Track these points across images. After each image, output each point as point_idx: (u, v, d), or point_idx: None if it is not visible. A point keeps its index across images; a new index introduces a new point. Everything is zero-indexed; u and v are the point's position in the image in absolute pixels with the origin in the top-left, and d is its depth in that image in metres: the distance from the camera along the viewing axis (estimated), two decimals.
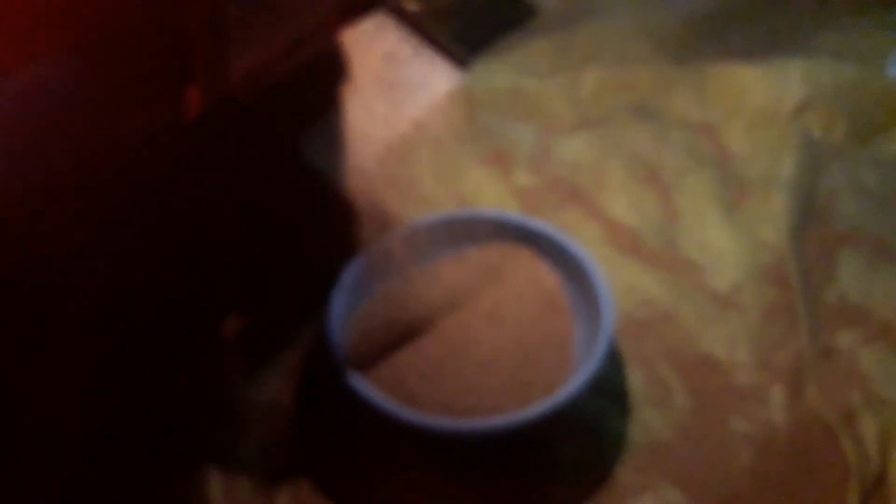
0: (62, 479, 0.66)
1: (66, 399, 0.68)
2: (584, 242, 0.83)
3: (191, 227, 0.75)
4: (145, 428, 0.70)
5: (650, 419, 0.71)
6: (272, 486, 0.69)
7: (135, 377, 0.71)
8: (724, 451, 0.69)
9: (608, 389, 0.73)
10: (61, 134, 0.56)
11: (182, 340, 0.74)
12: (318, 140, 0.84)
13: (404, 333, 0.71)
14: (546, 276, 0.76)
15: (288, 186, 0.82)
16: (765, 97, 0.99)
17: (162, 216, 0.71)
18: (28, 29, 0.49)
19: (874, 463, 0.67)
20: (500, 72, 1.04)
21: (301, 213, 0.82)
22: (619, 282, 0.81)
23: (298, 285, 0.79)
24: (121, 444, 0.68)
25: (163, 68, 0.51)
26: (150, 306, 0.74)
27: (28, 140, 0.55)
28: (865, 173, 0.91)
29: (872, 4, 1.16)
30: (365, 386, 0.67)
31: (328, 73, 0.82)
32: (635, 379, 0.74)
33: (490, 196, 0.90)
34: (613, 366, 0.74)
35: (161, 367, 0.73)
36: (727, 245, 0.84)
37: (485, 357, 0.70)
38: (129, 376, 0.71)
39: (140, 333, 0.72)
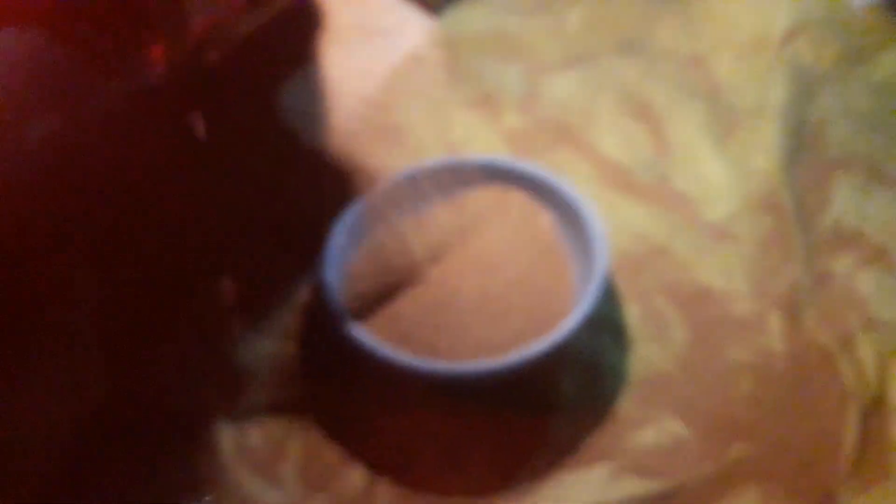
0: (70, 443, 0.66)
1: (69, 364, 0.68)
2: (576, 181, 0.81)
3: (175, 192, 0.73)
4: (151, 391, 0.69)
5: (649, 352, 0.71)
6: (282, 435, 0.68)
7: (136, 345, 0.71)
8: (723, 381, 0.69)
9: (606, 325, 0.72)
10: (29, 105, 0.54)
11: (177, 304, 0.73)
12: (297, 94, 0.81)
13: (399, 281, 0.70)
14: (539, 216, 0.75)
15: (270, 144, 0.80)
16: (753, 25, 0.96)
17: (143, 182, 0.70)
18: None
19: (872, 385, 0.67)
20: (481, 13, 1.00)
21: (286, 169, 0.81)
22: (612, 219, 0.79)
23: (291, 241, 0.77)
24: (128, 409, 0.68)
25: (123, 27, 0.49)
26: (141, 273, 0.73)
27: (10, 112, 0.54)
28: (857, 97, 0.89)
29: None
30: (363, 334, 0.66)
31: (302, 25, 0.80)
32: (633, 314, 0.73)
33: (479, 140, 0.88)
34: (610, 302, 0.73)
35: (159, 330, 0.72)
36: (720, 176, 0.83)
37: (481, 299, 0.69)
38: (127, 344, 0.71)
39: (136, 299, 0.72)
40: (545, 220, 0.75)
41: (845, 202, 0.80)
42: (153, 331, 0.71)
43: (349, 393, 0.70)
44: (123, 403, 0.68)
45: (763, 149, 0.84)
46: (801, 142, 0.86)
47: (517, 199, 0.76)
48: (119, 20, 0.50)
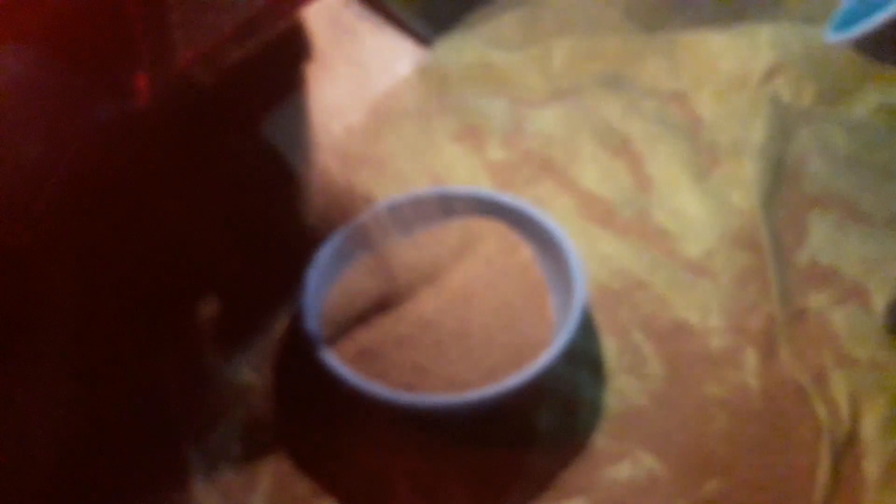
0: (44, 467, 0.65)
1: (45, 387, 0.67)
2: (558, 215, 0.82)
3: (161, 215, 0.73)
4: (125, 414, 0.69)
5: (625, 387, 0.71)
6: (253, 466, 0.68)
7: (113, 365, 0.70)
8: (698, 417, 0.69)
9: (583, 359, 0.72)
10: (37, 125, 0.55)
11: (158, 327, 0.73)
12: (285, 121, 0.82)
13: (377, 311, 0.70)
14: (519, 248, 0.75)
15: (257, 169, 0.80)
16: (734, 63, 0.97)
17: (131, 204, 0.70)
18: None
19: (845, 423, 0.67)
20: (469, 46, 1.01)
21: (272, 195, 0.81)
22: (592, 252, 0.80)
23: (273, 267, 0.77)
24: (101, 431, 0.68)
25: (109, 56, 0.49)
26: (123, 294, 0.73)
27: (4, 130, 0.54)
28: (834, 135, 0.91)
29: None
30: (341, 364, 0.66)
31: (290, 53, 0.80)
32: (610, 347, 0.73)
33: (463, 171, 0.88)
34: (588, 336, 0.73)
35: (137, 355, 0.72)
36: (699, 212, 0.83)
37: (459, 331, 0.69)
38: (108, 364, 0.70)
39: (116, 321, 0.71)
40: (525, 252, 0.75)
41: (822, 239, 0.80)
42: (131, 357, 0.71)
43: (323, 424, 0.69)
44: (96, 428, 0.67)
45: (742, 186, 0.85)
46: (779, 179, 0.86)
47: (498, 231, 0.77)
48: (106, 46, 0.50)
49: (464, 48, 1.01)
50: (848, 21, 0.65)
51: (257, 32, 0.62)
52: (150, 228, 0.74)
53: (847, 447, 0.66)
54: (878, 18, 0.57)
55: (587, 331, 0.74)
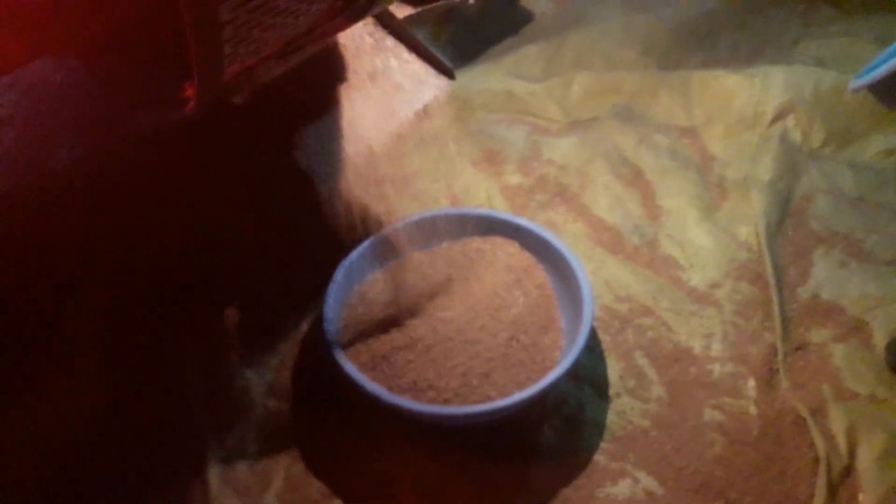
0: (63, 463, 0.66)
1: (69, 384, 0.69)
2: (569, 240, 0.83)
3: (193, 222, 0.75)
4: (146, 413, 0.70)
5: (628, 408, 0.71)
6: (268, 468, 0.69)
7: (137, 363, 0.72)
8: (697, 440, 0.69)
9: (589, 379, 0.73)
10: (72, 130, 0.57)
11: (184, 329, 0.74)
12: (316, 137, 0.84)
13: (396, 318, 0.71)
14: (533, 267, 0.76)
15: (286, 183, 0.82)
16: (746, 102, 0.99)
17: (167, 212, 0.72)
18: (37, 24, 0.49)
19: (843, 455, 0.67)
20: (492, 76, 1.04)
21: (299, 208, 0.83)
22: (600, 277, 0.81)
23: (298, 276, 0.79)
24: (122, 428, 0.69)
25: (162, 66, 0.51)
26: (153, 294, 0.74)
27: (40, 135, 0.56)
28: (842, 177, 0.91)
29: (855, 12, 1.16)
30: (357, 370, 0.67)
31: (323, 76, 0.82)
32: (615, 369, 0.74)
33: (481, 194, 0.90)
34: (594, 357, 0.74)
35: (163, 353, 0.73)
36: (706, 244, 0.84)
37: (473, 343, 0.69)
38: (132, 361, 0.72)
39: (144, 320, 0.73)
40: (538, 271, 0.76)
41: (825, 276, 0.81)
42: (157, 354, 0.72)
43: (336, 428, 0.70)
44: (119, 422, 0.69)
45: (749, 220, 0.86)
46: (785, 215, 0.87)
47: (513, 250, 0.78)
48: (160, 56, 0.52)
49: (487, 77, 1.03)
50: (871, 70, 0.66)
51: (297, 52, 0.64)
52: (181, 233, 0.75)
53: (843, 479, 0.66)
54: (889, 65, 0.58)
55: (593, 352, 0.74)
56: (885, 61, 0.62)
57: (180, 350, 0.73)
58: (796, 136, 0.96)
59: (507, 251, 0.78)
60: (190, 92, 0.51)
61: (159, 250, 0.74)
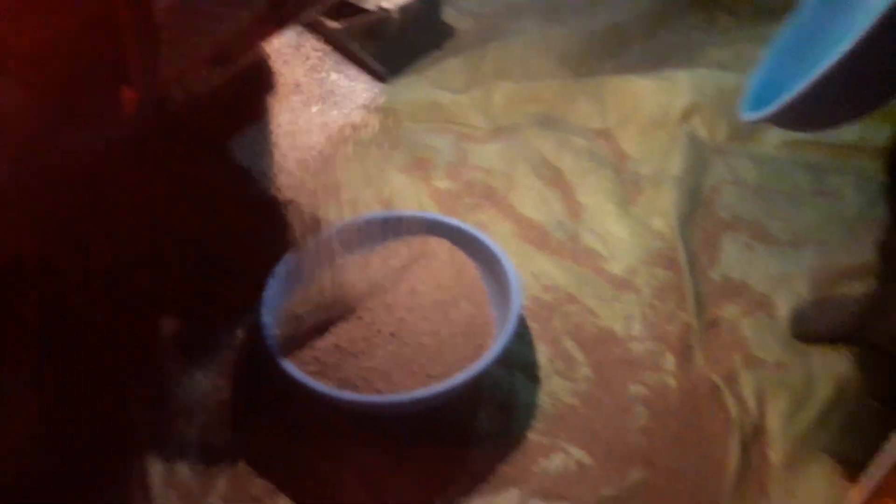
0: (7, 470, 0.66)
1: (11, 394, 0.69)
2: (498, 238, 0.87)
3: (131, 230, 0.76)
4: (88, 419, 0.70)
5: (557, 388, 0.75)
6: (211, 470, 0.70)
7: (75, 373, 0.72)
8: (623, 414, 0.73)
9: (520, 364, 0.77)
10: (12, 146, 0.57)
11: (122, 338, 0.75)
12: (250, 146, 0.86)
13: (333, 318, 0.73)
14: (464, 263, 0.80)
15: (222, 190, 0.84)
16: (655, 104, 1.05)
17: (105, 222, 0.73)
18: None
19: (753, 416, 0.73)
20: (419, 86, 1.08)
21: (235, 214, 0.84)
22: (528, 270, 0.86)
23: (234, 282, 0.80)
24: (65, 435, 0.69)
25: (101, 70, 0.53)
26: (89, 305, 0.75)
27: None
28: (744, 168, 0.98)
29: (751, 21, 1.25)
30: (295, 369, 0.69)
31: (257, 84, 0.85)
32: (544, 354, 0.78)
33: (411, 199, 0.94)
34: (523, 343, 0.78)
35: (101, 362, 0.73)
36: (623, 235, 0.89)
37: (407, 336, 0.72)
38: (70, 372, 0.72)
39: (81, 332, 0.73)
40: (469, 267, 0.80)
41: (732, 258, 0.87)
42: (93, 366, 0.73)
43: (277, 428, 0.72)
44: (58, 436, 0.69)
45: (662, 212, 0.92)
46: (695, 206, 0.94)
47: (445, 249, 0.81)
48: (98, 61, 0.53)
49: (412, 89, 1.08)
50: (761, 95, 0.63)
51: (229, 58, 0.66)
52: (117, 243, 0.76)
53: (754, 437, 0.71)
54: (787, 97, 0.55)
55: (523, 339, 0.78)
56: (776, 87, 0.61)
57: (118, 358, 0.74)
58: (703, 133, 1.03)
59: (439, 250, 0.82)
60: (129, 95, 0.53)
61: (95, 260, 0.74)
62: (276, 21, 0.63)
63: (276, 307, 0.75)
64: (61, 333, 0.71)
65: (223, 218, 0.82)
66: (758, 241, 0.90)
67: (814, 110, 0.57)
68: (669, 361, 0.77)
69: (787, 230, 0.91)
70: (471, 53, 1.11)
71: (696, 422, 0.73)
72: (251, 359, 0.77)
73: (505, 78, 1.08)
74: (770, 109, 0.58)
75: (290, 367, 0.70)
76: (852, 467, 0.66)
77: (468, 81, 1.09)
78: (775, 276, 0.85)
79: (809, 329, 0.79)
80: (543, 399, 0.74)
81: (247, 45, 0.66)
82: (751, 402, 0.74)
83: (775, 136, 1.02)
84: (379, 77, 1.03)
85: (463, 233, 0.82)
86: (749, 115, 0.62)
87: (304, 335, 0.73)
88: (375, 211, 0.88)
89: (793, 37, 0.67)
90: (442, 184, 0.96)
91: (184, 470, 0.70)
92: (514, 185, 0.96)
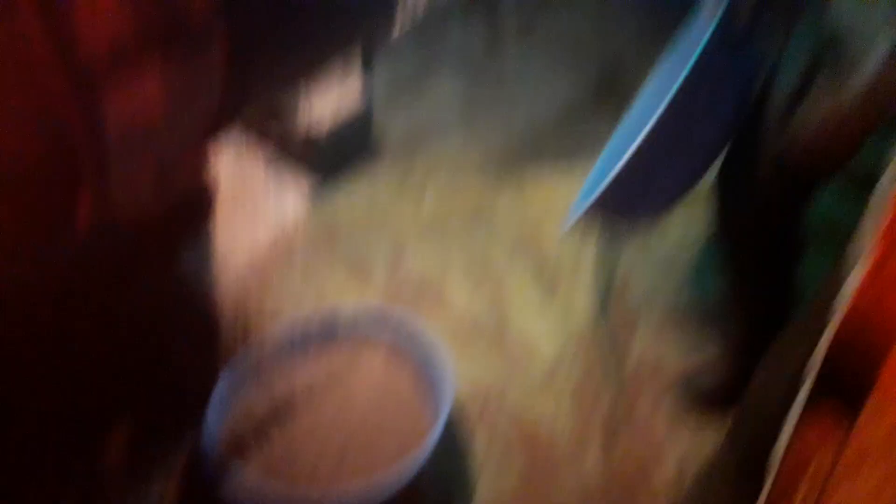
0: None
1: None
2: (433, 331, 0.93)
3: (77, 344, 0.78)
4: None
5: (494, 475, 0.81)
6: None
7: (23, 484, 0.74)
8: (559, 496, 0.79)
9: (456, 454, 0.82)
10: None
11: (64, 454, 0.77)
12: (194, 261, 0.91)
13: (275, 422, 0.78)
14: (402, 362, 0.86)
15: (165, 301, 0.88)
16: (570, 197, 1.15)
17: (50, 334, 0.75)
18: None
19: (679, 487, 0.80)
20: (355, 188, 1.15)
21: (181, 324, 0.88)
22: (461, 364, 0.91)
23: (179, 390, 0.84)
24: None
25: (57, 190, 0.56)
26: (35, 416, 0.76)
27: None
28: (655, 253, 1.07)
29: None
30: (238, 473, 0.73)
31: (197, 205, 0.89)
32: (480, 443, 0.84)
33: (351, 297, 1.00)
34: (458, 434, 0.84)
35: (49, 474, 0.75)
36: (548, 320, 0.97)
37: (346, 438, 0.78)
38: (20, 482, 0.73)
39: (20, 453, 0.75)
40: (405, 367, 0.85)
41: (646, 339, 0.96)
42: (33, 491, 0.74)
43: None
44: None
45: (582, 298, 1.00)
46: (611, 290, 1.02)
47: (383, 348, 0.87)
48: (53, 184, 0.57)
49: (348, 193, 1.15)
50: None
51: (171, 177, 0.70)
52: (62, 360, 0.78)
53: None
54: (580, 210, 0.64)
55: (458, 429, 0.84)
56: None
57: (60, 479, 0.76)
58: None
59: (376, 349, 0.87)
60: (82, 211, 0.57)
61: (39, 372, 0.76)
62: (211, 129, 0.68)
63: (221, 416, 0.79)
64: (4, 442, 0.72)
65: (170, 327, 0.86)
66: (669, 322, 0.98)
67: (618, 207, 0.64)
68: (596, 443, 0.84)
69: (696, 305, 0.99)
70: (401, 158, 1.20)
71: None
72: (196, 476, 0.79)
73: (434, 180, 1.17)
74: (578, 212, 0.65)
75: (232, 472, 0.73)
76: None
77: (400, 180, 1.17)
78: (689, 358, 0.93)
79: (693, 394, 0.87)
80: (481, 486, 0.80)
81: (187, 162, 0.70)
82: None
83: (680, 223, 1.12)
84: (313, 184, 1.10)
85: (401, 328, 0.87)
86: (568, 223, 0.68)
87: (247, 443, 0.77)
88: (315, 311, 0.94)
89: (619, 136, 0.74)
90: (378, 284, 1.02)
91: None
92: (446, 281, 1.03)
